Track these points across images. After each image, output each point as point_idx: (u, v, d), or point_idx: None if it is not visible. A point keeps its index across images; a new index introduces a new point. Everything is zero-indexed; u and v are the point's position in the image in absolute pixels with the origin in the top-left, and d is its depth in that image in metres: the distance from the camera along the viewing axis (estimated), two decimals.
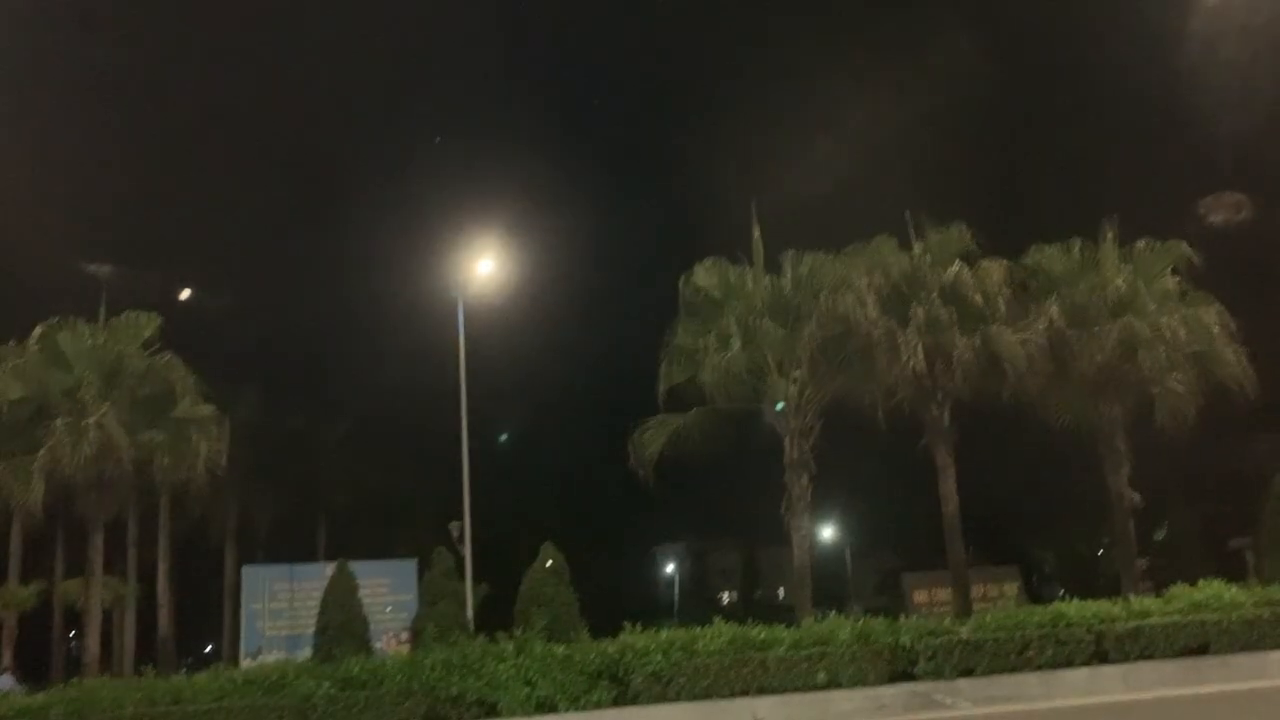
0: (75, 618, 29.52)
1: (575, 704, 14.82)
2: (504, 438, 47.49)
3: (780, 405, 22.79)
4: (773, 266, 23.88)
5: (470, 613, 22.90)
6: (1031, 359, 22.24)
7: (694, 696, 15.04)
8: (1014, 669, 15.79)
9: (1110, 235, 23.91)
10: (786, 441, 22.83)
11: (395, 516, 41.44)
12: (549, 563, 20.91)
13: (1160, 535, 35.04)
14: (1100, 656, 16.09)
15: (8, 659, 29.74)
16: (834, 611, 18.46)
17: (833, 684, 15.33)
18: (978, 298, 22.61)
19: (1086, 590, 22.29)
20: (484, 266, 25.01)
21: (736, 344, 22.42)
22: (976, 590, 28.60)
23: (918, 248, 23.82)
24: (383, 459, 41.42)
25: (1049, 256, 24.12)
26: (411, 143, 70.70)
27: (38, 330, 22.71)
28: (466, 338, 24.27)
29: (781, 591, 54.44)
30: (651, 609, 46.51)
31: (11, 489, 21.28)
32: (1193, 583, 17.58)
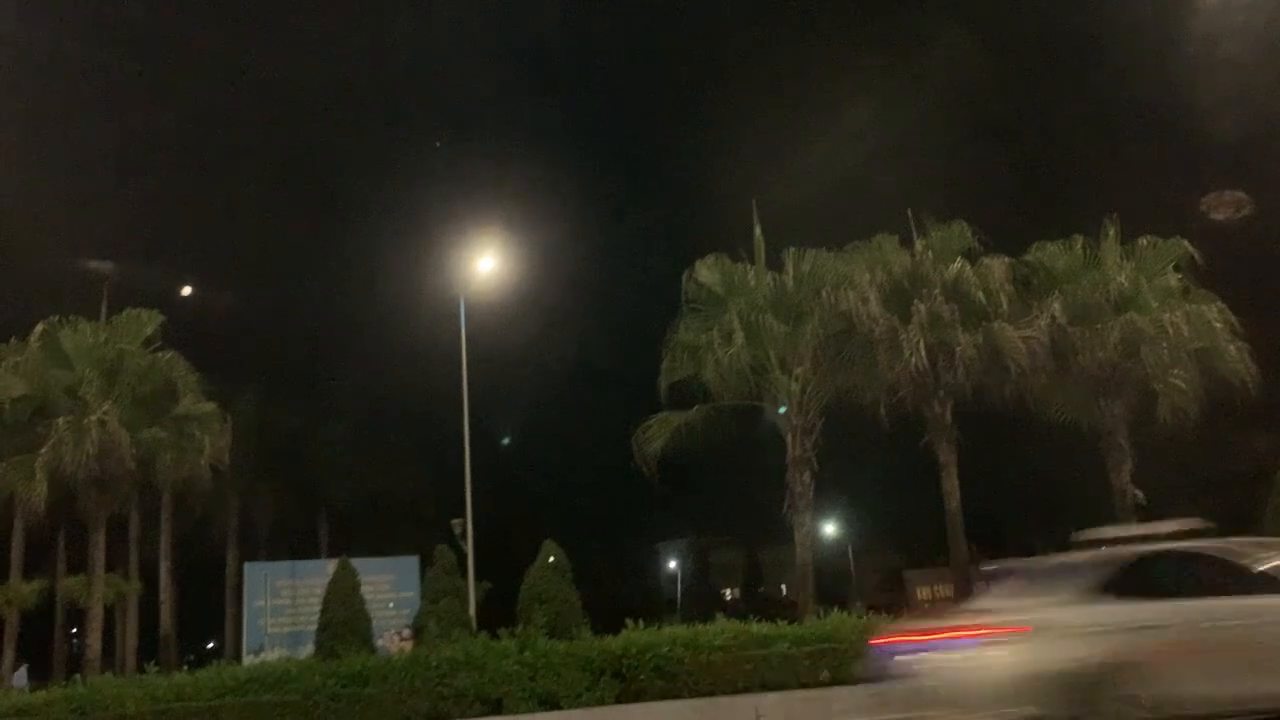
0: (77, 615, 29.52)
1: (578, 700, 14.82)
2: (506, 440, 47.56)
3: (783, 409, 22.85)
4: (774, 265, 23.90)
5: (472, 610, 22.91)
6: (1034, 356, 22.25)
7: (697, 693, 15.04)
8: None
9: (1112, 232, 23.92)
10: (789, 439, 22.84)
11: (397, 513, 41.42)
12: (551, 560, 20.92)
13: None
14: None
15: (10, 656, 29.81)
16: (837, 608, 18.43)
17: (836, 681, 15.34)
18: (980, 294, 22.62)
19: None
20: (485, 264, 25.01)
21: (739, 340, 22.42)
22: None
23: (920, 245, 23.83)
24: (385, 456, 41.43)
25: (1051, 253, 24.12)
26: (413, 140, 70.75)
27: (39, 328, 22.73)
28: (468, 335, 24.27)
29: (784, 588, 54.45)
30: (654, 606, 46.46)
31: (14, 487, 21.32)
32: None
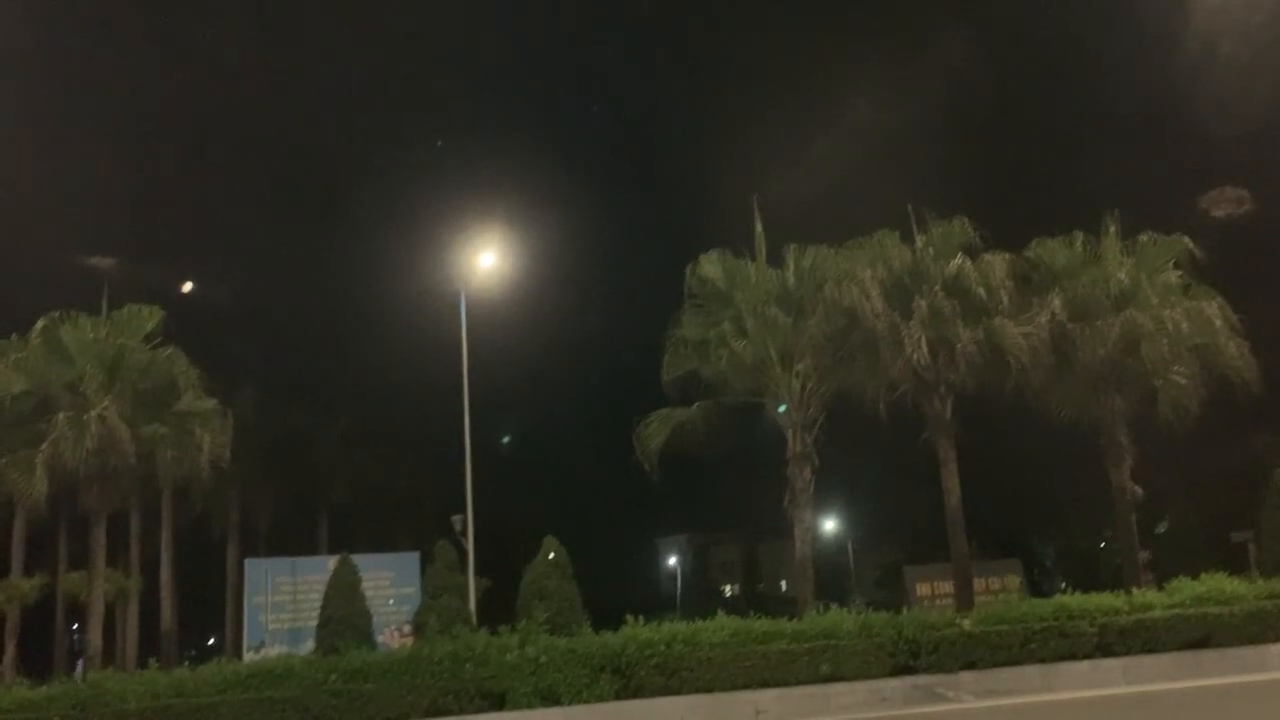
0: (78, 611, 29.54)
1: (579, 696, 14.85)
2: (507, 439, 47.59)
3: (783, 408, 22.85)
4: (775, 262, 23.86)
5: (473, 606, 22.93)
6: (1034, 352, 22.21)
7: (697, 689, 15.07)
8: (1016, 662, 15.83)
9: (1112, 229, 23.89)
10: (789, 434, 22.84)
11: (398, 510, 41.49)
12: (551, 556, 20.94)
13: (1162, 528, 34.99)
14: (1103, 650, 16.13)
15: (11, 651, 29.82)
16: (836, 605, 18.47)
17: (835, 677, 15.37)
18: (980, 290, 22.58)
19: (1089, 583, 22.27)
20: (486, 260, 25.00)
21: (753, 330, 22.43)
22: (979, 583, 28.62)
23: (920, 241, 23.79)
24: (385, 452, 41.48)
25: (1051, 250, 24.08)
26: (413, 137, 70.71)
27: (40, 324, 22.67)
28: (469, 331, 24.27)
29: (784, 584, 54.47)
30: (654, 602, 46.55)
31: (14, 482, 21.28)
32: (1195, 576, 17.63)
